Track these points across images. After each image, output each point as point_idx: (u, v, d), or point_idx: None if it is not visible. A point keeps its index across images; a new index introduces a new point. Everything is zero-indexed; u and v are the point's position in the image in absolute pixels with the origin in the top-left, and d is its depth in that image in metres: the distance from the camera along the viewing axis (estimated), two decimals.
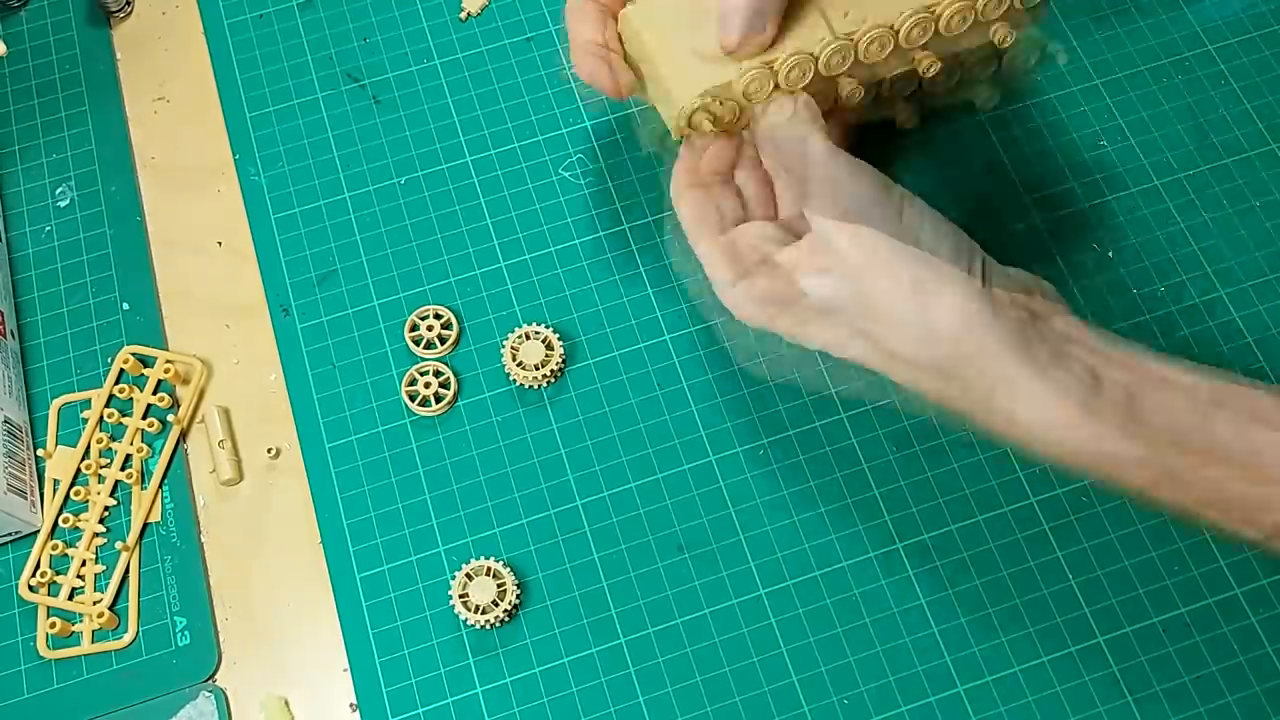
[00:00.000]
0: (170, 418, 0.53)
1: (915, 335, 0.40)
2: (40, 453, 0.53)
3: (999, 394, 0.40)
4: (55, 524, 0.52)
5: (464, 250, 0.56)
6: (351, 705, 0.48)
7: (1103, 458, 0.39)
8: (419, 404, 0.53)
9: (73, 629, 0.50)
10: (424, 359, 0.54)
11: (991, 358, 0.40)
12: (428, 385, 0.53)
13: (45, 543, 0.51)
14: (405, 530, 0.51)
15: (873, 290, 0.41)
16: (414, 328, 0.54)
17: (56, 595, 0.51)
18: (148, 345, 0.55)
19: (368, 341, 0.55)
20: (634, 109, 0.58)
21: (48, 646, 0.50)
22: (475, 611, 0.48)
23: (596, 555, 0.50)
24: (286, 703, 0.49)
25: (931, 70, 0.47)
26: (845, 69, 0.46)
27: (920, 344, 0.40)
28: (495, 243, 0.56)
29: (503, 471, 0.52)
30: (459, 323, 0.55)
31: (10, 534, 0.51)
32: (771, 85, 0.46)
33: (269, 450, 0.53)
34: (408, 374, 0.53)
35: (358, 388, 0.54)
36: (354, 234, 0.57)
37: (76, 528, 0.52)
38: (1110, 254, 0.55)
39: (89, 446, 0.53)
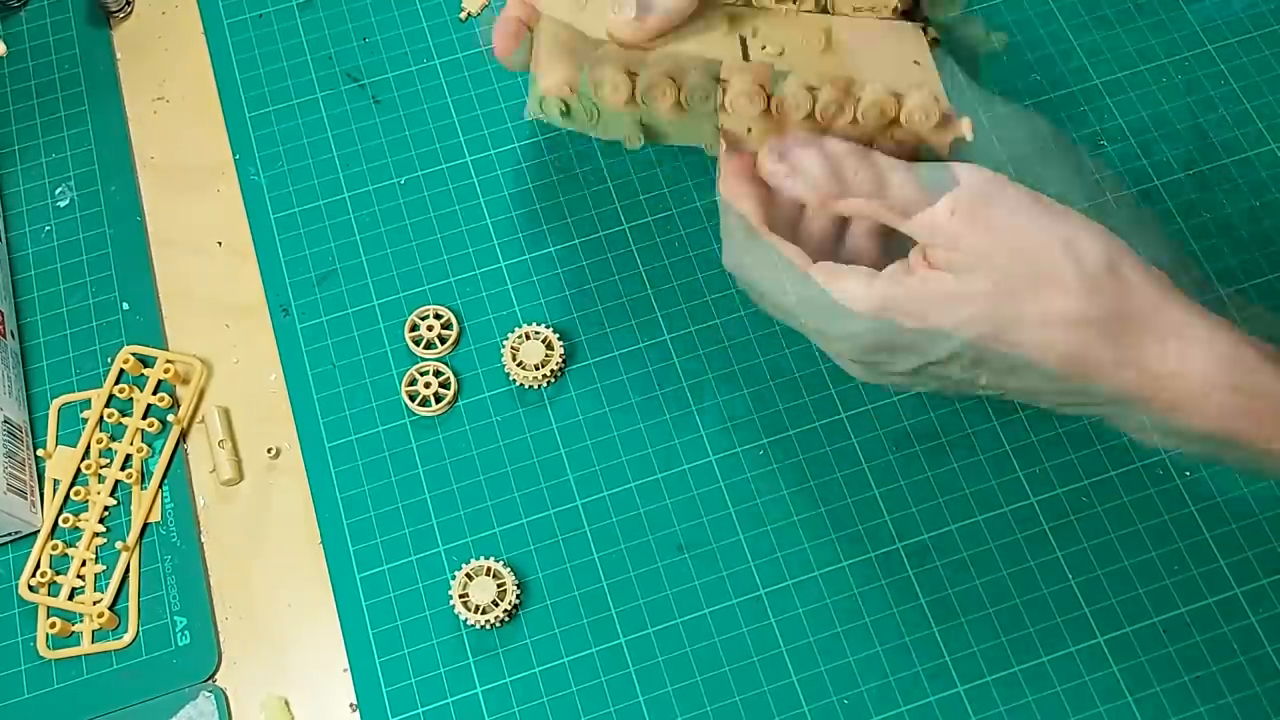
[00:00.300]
0: (170, 418, 0.53)
1: (1063, 289, 0.39)
2: (40, 453, 0.53)
3: (1149, 343, 0.39)
4: (55, 524, 0.52)
5: (464, 250, 0.56)
6: (351, 705, 0.48)
7: (1263, 410, 0.39)
8: (419, 404, 0.53)
9: (73, 629, 0.50)
10: (424, 359, 0.54)
11: (1146, 300, 0.39)
12: (428, 385, 0.53)
13: (45, 543, 0.51)
14: (405, 530, 0.51)
15: (1017, 253, 0.40)
16: (414, 328, 0.54)
17: (56, 595, 0.51)
18: (148, 345, 0.55)
19: (368, 341, 0.55)
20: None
21: (48, 646, 0.50)
22: (475, 611, 0.48)
23: (596, 555, 0.50)
24: (286, 703, 0.49)
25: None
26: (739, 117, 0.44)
27: (1070, 296, 0.39)
28: (495, 243, 0.56)
29: (503, 471, 0.52)
30: (459, 323, 0.55)
31: (10, 534, 0.51)
32: (627, 92, 0.43)
33: (269, 450, 0.53)
34: (408, 374, 0.53)
35: (358, 388, 0.54)
36: (354, 234, 0.57)
37: (76, 528, 0.52)
38: None
39: (89, 446, 0.53)
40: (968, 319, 0.40)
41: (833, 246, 0.45)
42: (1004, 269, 0.40)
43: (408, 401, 0.53)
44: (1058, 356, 0.40)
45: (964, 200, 0.40)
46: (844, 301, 0.41)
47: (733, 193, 0.43)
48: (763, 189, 0.43)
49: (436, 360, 0.54)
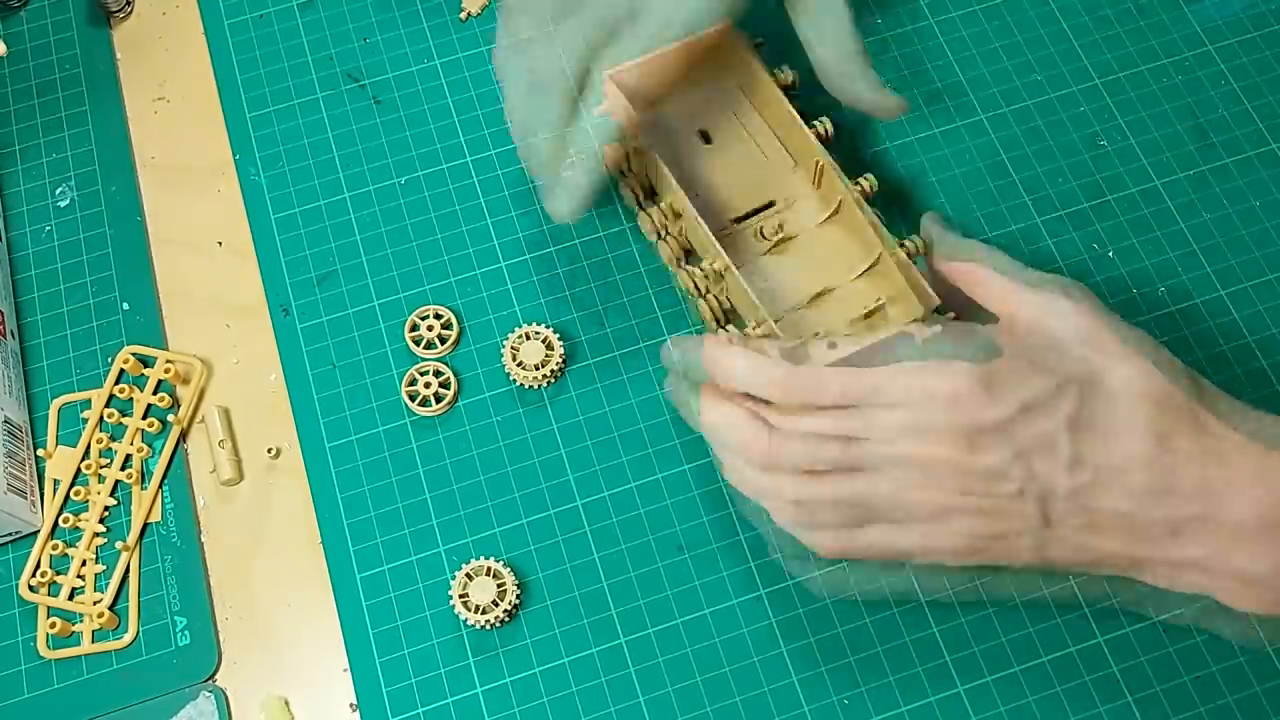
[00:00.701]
0: (170, 418, 0.53)
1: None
2: (40, 453, 0.53)
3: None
4: (55, 524, 0.52)
5: (464, 250, 0.56)
6: (351, 705, 0.48)
7: None
8: (419, 404, 0.53)
9: (73, 629, 0.50)
10: (424, 359, 0.54)
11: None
12: (428, 385, 0.53)
13: (45, 543, 0.51)
14: (405, 530, 0.51)
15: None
16: (414, 328, 0.54)
17: (57, 595, 0.51)
18: (148, 345, 0.55)
19: (368, 341, 0.55)
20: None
21: (48, 646, 0.50)
22: (475, 611, 0.48)
23: (596, 555, 0.50)
24: (286, 703, 0.49)
25: None
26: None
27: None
28: (495, 243, 0.56)
29: (503, 471, 0.52)
30: (459, 323, 0.55)
31: (10, 534, 0.51)
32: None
33: (269, 450, 0.53)
34: (408, 374, 0.53)
35: (358, 388, 0.54)
36: (354, 234, 0.57)
37: (76, 528, 0.52)
38: (1110, 254, 0.55)
39: (89, 446, 0.53)
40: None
41: None
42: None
43: (408, 401, 0.53)
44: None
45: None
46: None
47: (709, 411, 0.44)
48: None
49: (436, 360, 0.54)
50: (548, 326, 0.53)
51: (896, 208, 0.56)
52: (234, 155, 0.59)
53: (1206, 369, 0.52)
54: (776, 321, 0.48)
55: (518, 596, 0.49)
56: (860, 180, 0.50)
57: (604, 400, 0.53)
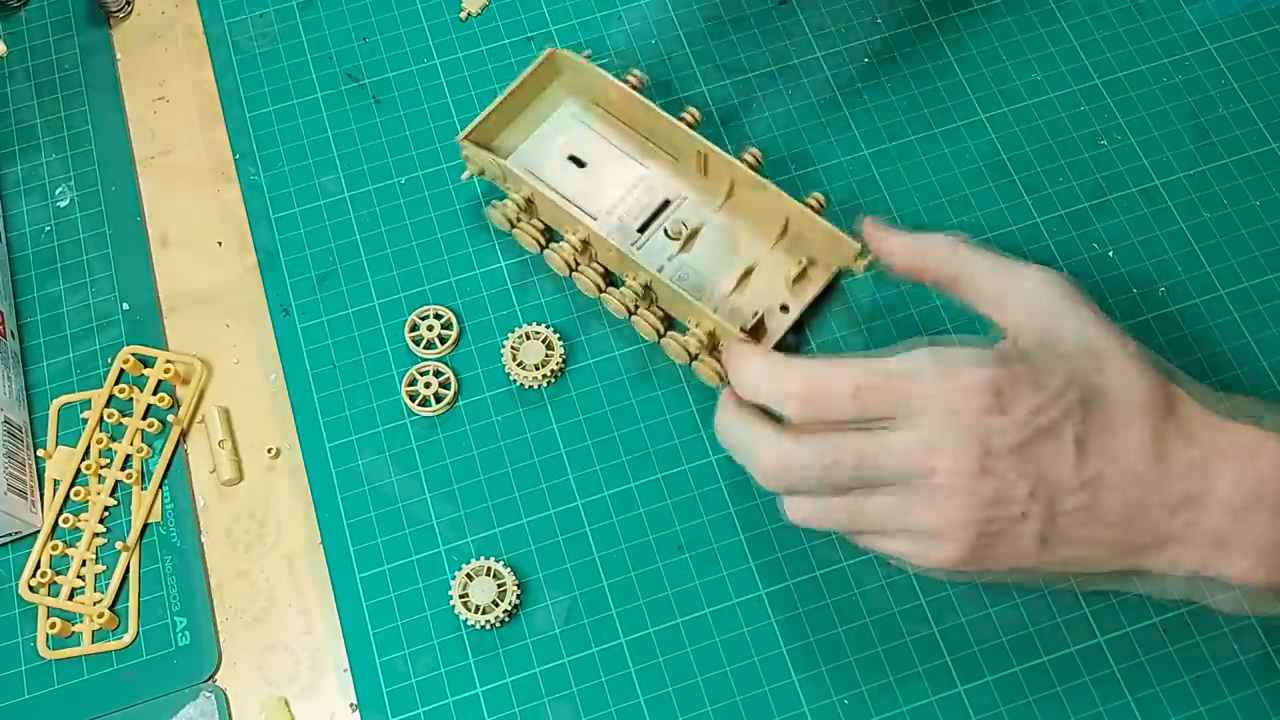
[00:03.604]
0: (170, 418, 0.53)
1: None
2: (40, 453, 0.53)
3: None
4: (55, 524, 0.52)
5: (464, 250, 0.56)
6: (351, 705, 0.48)
7: None
8: (419, 404, 0.53)
9: (73, 629, 0.50)
10: (424, 359, 0.54)
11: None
12: (428, 385, 0.53)
13: (45, 543, 0.51)
14: (405, 530, 0.51)
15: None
16: (414, 328, 0.54)
17: (57, 595, 0.51)
18: (148, 345, 0.55)
19: (368, 341, 0.55)
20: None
21: (48, 647, 0.50)
22: (475, 611, 0.48)
23: (597, 555, 0.50)
24: (286, 703, 0.49)
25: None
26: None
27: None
28: (495, 243, 0.56)
29: (503, 471, 0.52)
30: (459, 323, 0.55)
31: (10, 534, 0.51)
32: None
33: (269, 450, 0.53)
34: (408, 374, 0.53)
35: (358, 388, 0.54)
36: (354, 234, 0.57)
37: (76, 528, 0.52)
38: (1111, 253, 0.55)
39: (89, 447, 0.53)
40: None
41: None
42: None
43: (408, 401, 0.53)
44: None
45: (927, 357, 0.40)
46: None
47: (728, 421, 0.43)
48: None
49: (436, 360, 0.54)
50: (548, 326, 0.53)
51: (897, 209, 0.56)
52: (234, 155, 0.59)
53: (1206, 369, 0.52)
54: (715, 311, 0.50)
55: (518, 596, 0.49)
56: (808, 199, 0.52)
57: (604, 400, 0.53)
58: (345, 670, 0.49)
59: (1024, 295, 0.42)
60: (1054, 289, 0.42)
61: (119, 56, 0.63)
